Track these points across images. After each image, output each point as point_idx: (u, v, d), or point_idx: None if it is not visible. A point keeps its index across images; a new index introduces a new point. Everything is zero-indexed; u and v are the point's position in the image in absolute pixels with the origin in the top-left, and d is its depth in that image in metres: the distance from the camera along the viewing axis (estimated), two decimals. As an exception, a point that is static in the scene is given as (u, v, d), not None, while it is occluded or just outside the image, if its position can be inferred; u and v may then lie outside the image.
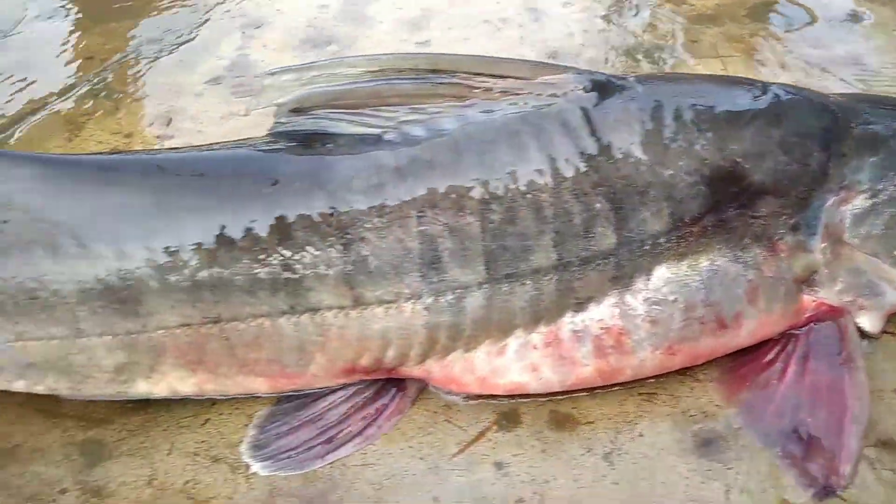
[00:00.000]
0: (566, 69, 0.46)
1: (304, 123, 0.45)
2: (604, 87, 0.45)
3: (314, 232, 0.41)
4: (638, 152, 0.43)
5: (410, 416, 0.47)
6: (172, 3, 0.91)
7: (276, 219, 0.41)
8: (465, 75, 0.44)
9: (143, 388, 0.45)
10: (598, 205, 0.42)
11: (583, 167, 0.42)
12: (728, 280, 0.44)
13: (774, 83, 0.49)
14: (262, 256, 0.41)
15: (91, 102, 0.75)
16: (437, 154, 0.43)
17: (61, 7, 0.90)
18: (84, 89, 0.77)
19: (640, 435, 0.45)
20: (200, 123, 0.72)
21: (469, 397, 0.47)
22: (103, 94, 0.76)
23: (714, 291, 0.44)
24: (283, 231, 0.41)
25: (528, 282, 0.42)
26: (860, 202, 0.45)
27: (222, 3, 0.91)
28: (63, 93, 0.76)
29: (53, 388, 0.44)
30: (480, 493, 0.43)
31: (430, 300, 0.42)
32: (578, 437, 0.45)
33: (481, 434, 0.46)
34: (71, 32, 0.86)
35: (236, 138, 0.51)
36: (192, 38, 0.84)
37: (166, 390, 0.45)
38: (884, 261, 0.45)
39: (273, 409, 0.47)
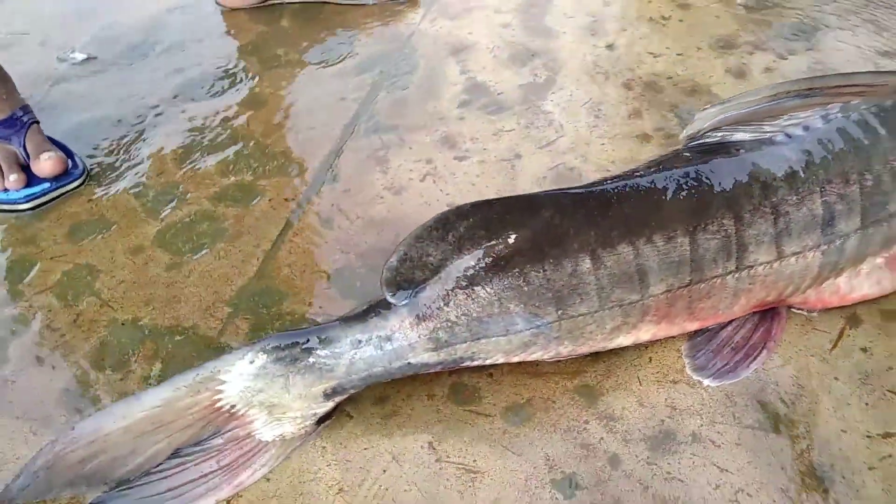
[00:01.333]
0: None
1: (711, 138, 0.63)
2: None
3: (755, 212, 0.59)
4: None
5: (787, 331, 0.66)
6: (378, 42, 1.05)
7: (729, 208, 0.59)
8: (827, 88, 0.62)
9: (619, 341, 0.62)
10: None
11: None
12: None
13: None
14: (723, 234, 0.59)
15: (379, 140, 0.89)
16: (813, 145, 0.61)
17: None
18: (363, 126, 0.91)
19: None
20: (481, 143, 0.87)
21: (822, 311, 0.66)
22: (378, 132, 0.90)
23: None
24: (735, 215, 0.59)
25: (884, 224, 0.61)
26: None
27: (416, 35, 1.06)
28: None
29: (557, 354, 0.62)
30: (864, 370, 0.63)
31: (825, 247, 0.61)
32: None
33: (841, 333, 0.66)
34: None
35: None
36: (417, 70, 0.99)
37: (632, 340, 0.63)
38: None
39: (691, 343, 0.65)
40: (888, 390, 0.61)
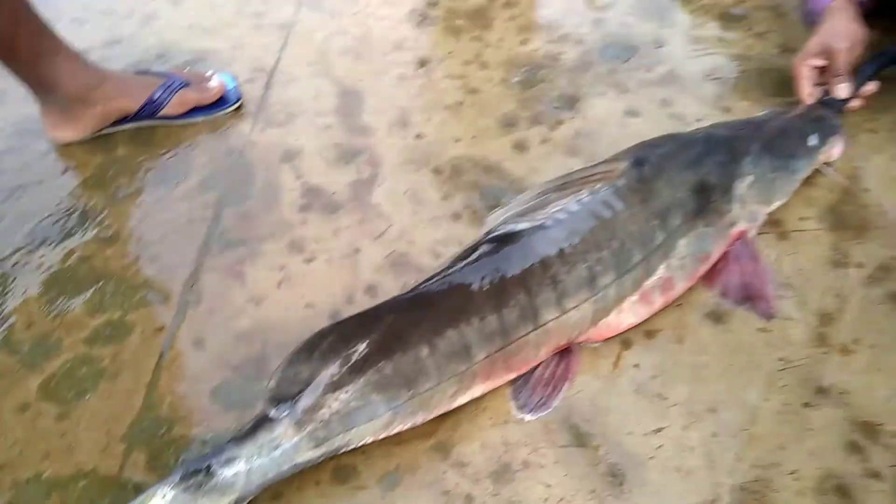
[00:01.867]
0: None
1: (501, 231, 0.82)
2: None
3: (540, 284, 0.79)
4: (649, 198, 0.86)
5: (581, 362, 0.87)
6: (215, 159, 1.16)
7: (521, 285, 0.78)
8: (577, 181, 0.84)
9: (459, 401, 0.79)
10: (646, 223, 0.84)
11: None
12: (709, 234, 0.88)
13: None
14: (520, 305, 0.78)
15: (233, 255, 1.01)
16: (573, 224, 0.82)
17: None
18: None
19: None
20: (324, 242, 1.02)
21: (603, 342, 0.88)
22: (231, 247, 1.02)
23: (703, 245, 0.88)
24: (526, 289, 0.78)
25: (632, 272, 0.83)
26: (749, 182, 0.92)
27: (248, 147, 1.18)
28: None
29: (414, 423, 0.78)
30: (637, 382, 0.84)
31: (593, 298, 0.81)
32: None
33: (618, 356, 0.87)
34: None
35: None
36: (256, 181, 1.11)
37: (469, 398, 0.80)
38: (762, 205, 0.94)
39: (513, 389, 0.83)
40: (655, 395, 0.83)
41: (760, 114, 1.08)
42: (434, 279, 0.80)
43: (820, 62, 1.07)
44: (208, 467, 0.69)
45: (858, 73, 1.08)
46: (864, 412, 0.79)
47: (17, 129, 1.23)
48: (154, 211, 1.07)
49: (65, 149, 1.18)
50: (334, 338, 0.73)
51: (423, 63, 1.33)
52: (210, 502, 0.69)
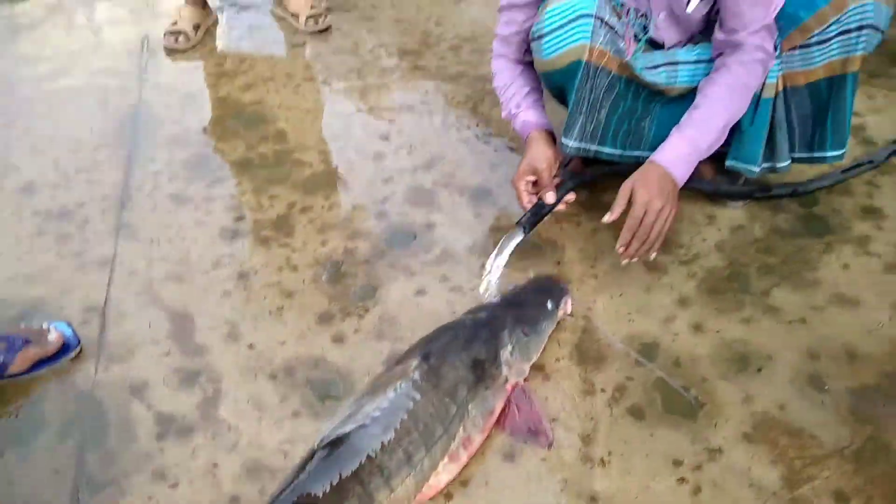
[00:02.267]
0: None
1: (335, 433, 1.05)
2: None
3: (371, 475, 1.01)
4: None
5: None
6: (66, 404, 1.27)
7: (356, 478, 1.00)
8: (379, 385, 1.10)
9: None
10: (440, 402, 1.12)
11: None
12: (489, 394, 1.18)
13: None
14: (358, 494, 1.00)
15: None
16: (385, 420, 1.07)
17: None
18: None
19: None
20: (184, 465, 1.17)
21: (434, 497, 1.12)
22: (100, 492, 1.13)
23: (487, 404, 1.18)
24: (361, 482, 1.01)
25: (438, 443, 1.09)
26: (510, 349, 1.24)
27: (96, 387, 1.31)
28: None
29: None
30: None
31: (413, 471, 1.05)
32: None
33: (444, 507, 1.12)
34: None
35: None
36: (110, 420, 1.24)
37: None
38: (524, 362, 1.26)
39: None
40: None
41: (509, 290, 1.43)
42: (287, 489, 1.00)
43: (531, 178, 1.47)
44: None
45: (561, 186, 1.49)
46: (624, 510, 1.10)
47: None
48: (20, 469, 1.16)
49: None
50: None
51: (242, 276, 1.56)
52: None
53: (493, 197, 1.76)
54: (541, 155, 1.47)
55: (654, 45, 1.46)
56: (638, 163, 1.40)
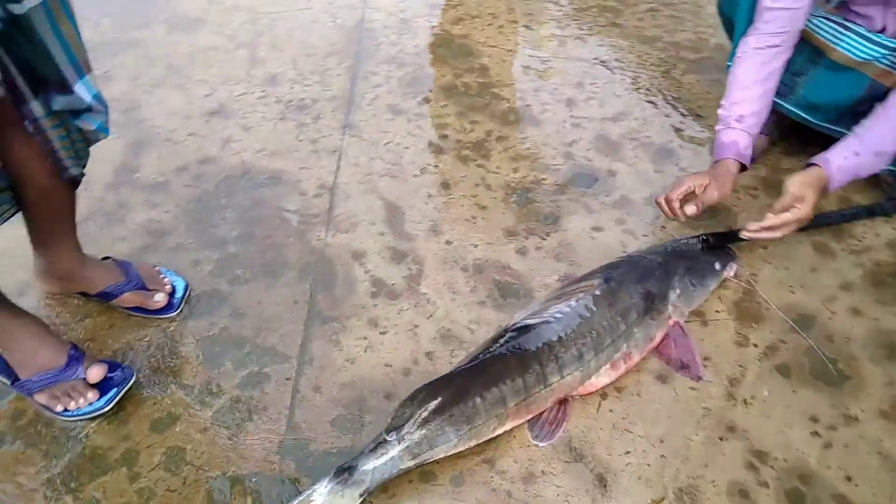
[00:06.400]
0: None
1: (521, 324, 1.26)
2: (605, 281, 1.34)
3: (547, 358, 1.22)
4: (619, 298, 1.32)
5: (574, 407, 1.30)
6: (305, 256, 1.58)
7: (536, 359, 1.21)
8: (568, 291, 1.30)
9: (498, 432, 1.20)
10: (613, 319, 1.30)
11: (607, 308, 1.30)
12: (654, 324, 1.35)
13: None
14: (535, 373, 1.20)
15: (330, 328, 1.42)
16: (566, 320, 1.26)
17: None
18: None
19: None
20: (392, 320, 1.44)
21: (588, 395, 1.31)
22: (328, 323, 1.43)
23: (650, 332, 1.35)
24: (539, 361, 1.21)
25: (605, 351, 1.28)
26: (678, 293, 1.40)
27: (327, 248, 1.61)
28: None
29: (469, 446, 1.19)
30: (612, 420, 1.28)
31: (581, 368, 1.25)
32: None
33: (599, 404, 1.31)
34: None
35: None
36: (336, 275, 1.54)
37: (504, 430, 1.21)
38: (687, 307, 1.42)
39: (529, 424, 1.25)
40: (624, 429, 1.27)
41: (682, 241, 1.56)
42: (481, 355, 1.23)
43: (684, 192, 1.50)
44: (352, 468, 1.09)
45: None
46: (759, 444, 1.24)
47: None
48: (268, 295, 1.47)
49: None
50: (426, 393, 1.15)
51: (444, 184, 1.79)
52: (350, 492, 1.08)
53: (676, 158, 1.88)
54: (718, 189, 1.48)
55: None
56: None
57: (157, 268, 1.45)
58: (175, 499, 1.11)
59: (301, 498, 1.06)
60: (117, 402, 1.23)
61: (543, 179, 1.81)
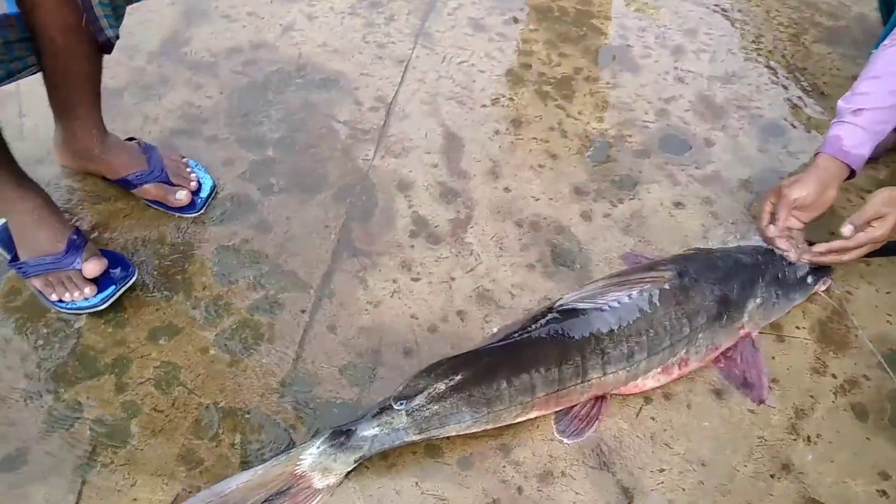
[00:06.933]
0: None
1: (569, 306, 1.09)
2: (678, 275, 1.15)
3: (591, 351, 1.06)
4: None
5: (610, 407, 1.15)
6: (345, 175, 1.42)
7: (577, 349, 1.05)
8: (631, 280, 1.12)
9: (520, 419, 1.06)
10: (677, 320, 1.12)
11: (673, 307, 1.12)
12: (722, 332, 1.17)
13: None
14: (574, 364, 1.05)
15: (358, 263, 1.28)
16: (622, 312, 1.09)
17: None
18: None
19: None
20: (427, 267, 1.29)
21: (630, 396, 1.16)
22: (357, 256, 1.28)
23: (717, 339, 1.17)
24: (581, 353, 1.05)
25: (659, 354, 1.11)
26: (758, 303, 1.21)
27: (371, 170, 1.44)
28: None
29: (486, 429, 1.05)
30: (652, 430, 1.13)
31: (628, 368, 1.09)
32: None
33: (640, 408, 1.15)
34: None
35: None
36: (377, 203, 1.38)
37: (527, 418, 1.08)
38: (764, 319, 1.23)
39: (556, 417, 1.11)
40: (663, 443, 1.12)
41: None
42: (517, 333, 1.07)
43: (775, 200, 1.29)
44: (350, 432, 0.97)
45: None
46: (814, 491, 1.08)
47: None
48: (298, 211, 1.33)
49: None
50: (446, 367, 1.01)
51: (515, 121, 1.59)
52: (344, 457, 0.97)
53: (786, 138, 1.63)
54: (799, 188, 1.25)
55: None
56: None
57: (185, 159, 1.31)
58: (159, 420, 1.02)
59: (290, 454, 0.95)
60: (116, 301, 1.12)
61: (628, 136, 1.59)
